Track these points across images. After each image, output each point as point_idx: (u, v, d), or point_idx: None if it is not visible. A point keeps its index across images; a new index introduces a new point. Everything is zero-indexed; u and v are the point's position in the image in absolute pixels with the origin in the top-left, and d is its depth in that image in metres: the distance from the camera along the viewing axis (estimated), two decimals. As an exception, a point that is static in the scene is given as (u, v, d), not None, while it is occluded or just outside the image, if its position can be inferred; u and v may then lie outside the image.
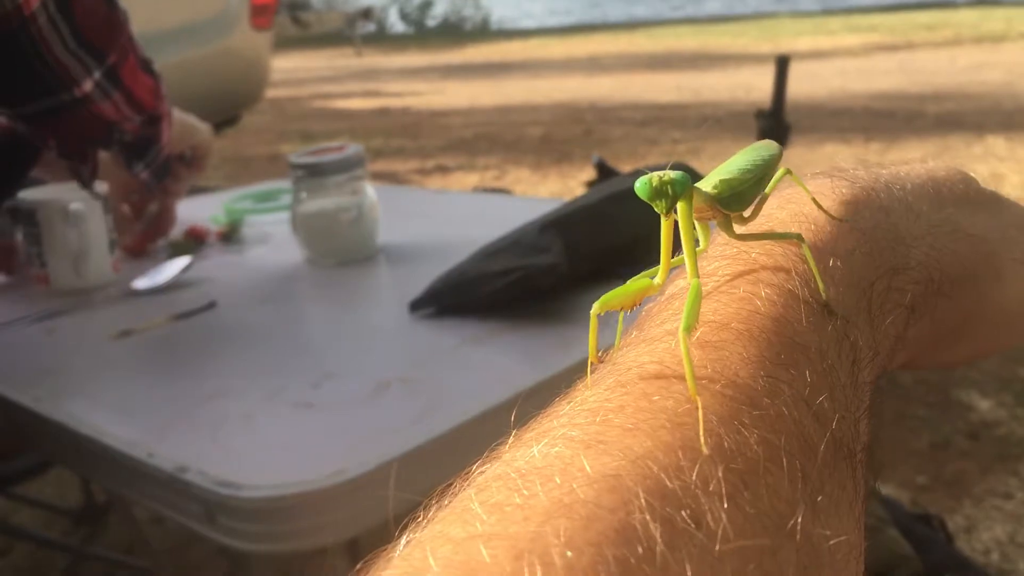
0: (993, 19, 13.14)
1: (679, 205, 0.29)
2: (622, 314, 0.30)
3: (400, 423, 0.68)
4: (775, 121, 2.52)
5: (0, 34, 0.83)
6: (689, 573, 0.18)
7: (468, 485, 0.22)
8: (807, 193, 0.33)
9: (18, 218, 1.07)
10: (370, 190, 1.09)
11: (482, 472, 0.22)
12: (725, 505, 0.20)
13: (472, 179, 5.15)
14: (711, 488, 0.20)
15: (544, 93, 8.71)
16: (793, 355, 0.26)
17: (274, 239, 1.23)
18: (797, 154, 4.36)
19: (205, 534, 0.62)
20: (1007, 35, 11.30)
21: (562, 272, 0.86)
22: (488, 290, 0.86)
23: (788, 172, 0.34)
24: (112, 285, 1.06)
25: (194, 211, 1.33)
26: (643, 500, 0.19)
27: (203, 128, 1.18)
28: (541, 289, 0.86)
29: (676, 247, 0.30)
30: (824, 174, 0.36)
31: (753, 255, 0.30)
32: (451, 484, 0.23)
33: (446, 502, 0.22)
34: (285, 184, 1.43)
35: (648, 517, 0.19)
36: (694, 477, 0.20)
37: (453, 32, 21.14)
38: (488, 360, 0.79)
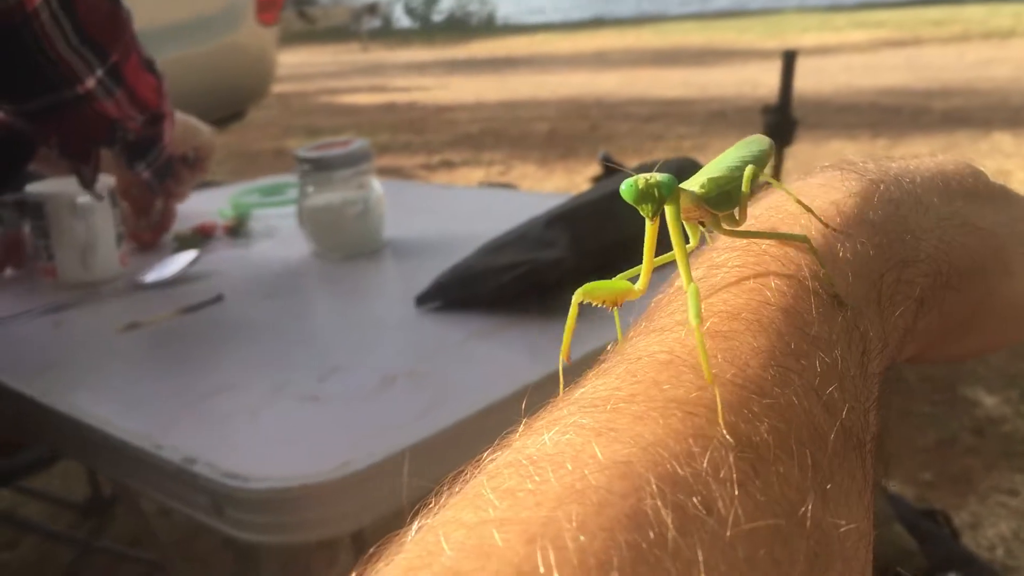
0: (1001, 15, 13.07)
1: (667, 208, 0.28)
2: (616, 310, 0.30)
3: (406, 417, 0.68)
4: (782, 117, 2.51)
5: (2, 30, 0.83)
6: (700, 558, 0.18)
7: (480, 472, 0.22)
8: (793, 196, 0.32)
9: (26, 211, 1.07)
10: (376, 184, 1.09)
11: (493, 459, 0.23)
12: (736, 492, 0.20)
13: (478, 174, 5.15)
14: (722, 475, 0.20)
15: (550, 89, 8.70)
16: (803, 345, 0.26)
17: (281, 233, 1.23)
18: (803, 150, 4.35)
19: (212, 525, 0.62)
20: (1015, 31, 11.26)
21: (568, 266, 0.87)
22: (494, 284, 0.86)
23: (767, 179, 0.33)
24: (119, 278, 1.07)
25: (201, 205, 1.33)
26: (654, 486, 0.20)
27: (205, 130, 1.19)
28: (547, 283, 0.86)
29: (661, 249, 0.30)
30: (834, 167, 0.36)
31: (763, 246, 0.30)
32: (462, 471, 0.23)
33: (458, 489, 0.22)
34: (292, 178, 1.43)
35: (659, 503, 0.19)
36: (705, 464, 0.21)
37: (459, 27, 21.12)
38: (494, 354, 0.79)
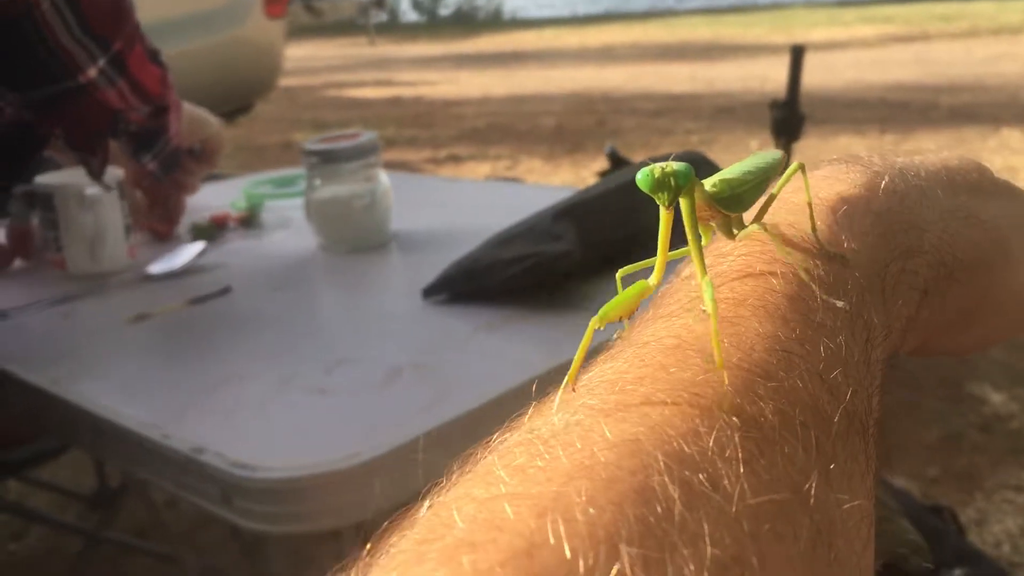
0: (1010, 10, 13.01)
1: (682, 199, 0.29)
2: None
3: (413, 408, 0.68)
4: (790, 112, 2.51)
5: (4, 20, 0.84)
6: (706, 531, 0.19)
7: (490, 451, 0.23)
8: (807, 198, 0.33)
9: (35, 203, 1.08)
10: (384, 177, 1.10)
11: (504, 440, 0.23)
12: (741, 470, 0.21)
13: (484, 169, 5.15)
14: (727, 454, 0.21)
15: (557, 83, 8.69)
16: (807, 332, 0.26)
17: (294, 224, 1.23)
18: (811, 145, 4.34)
19: (221, 515, 0.63)
20: (1024, 27, 11.21)
21: (576, 259, 0.87)
22: (501, 277, 0.86)
23: (801, 167, 0.33)
24: (128, 270, 1.07)
25: (212, 198, 1.34)
26: (662, 463, 0.20)
27: (214, 122, 1.19)
28: (554, 276, 0.86)
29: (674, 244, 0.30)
30: (839, 160, 0.36)
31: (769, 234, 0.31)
32: (473, 452, 0.23)
33: (468, 468, 0.22)
34: (303, 171, 1.43)
35: (667, 479, 0.20)
36: (711, 443, 0.21)
37: (466, 21, 21.11)
38: (501, 347, 0.79)
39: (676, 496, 0.19)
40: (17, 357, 0.83)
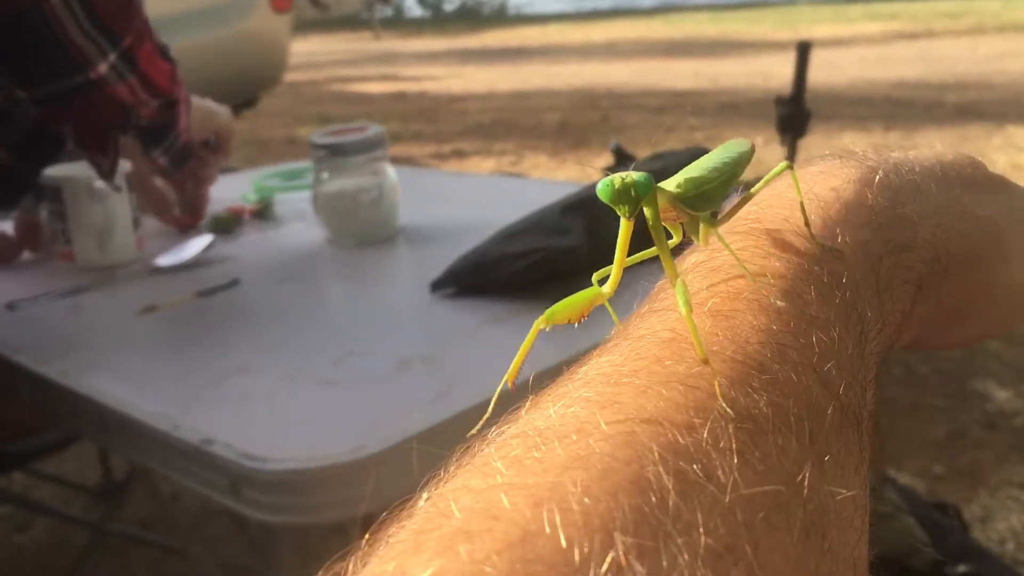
0: (1017, 8, 12.98)
1: (645, 208, 0.28)
2: (607, 303, 0.30)
3: (421, 401, 0.68)
4: (795, 108, 2.50)
5: (14, 15, 0.84)
6: (700, 521, 0.19)
7: (487, 444, 0.23)
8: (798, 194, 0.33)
9: (43, 195, 1.08)
10: (391, 171, 1.10)
11: (501, 432, 0.23)
12: (735, 461, 0.21)
13: (489, 164, 5.15)
14: (722, 445, 0.21)
15: (562, 79, 8.68)
16: (801, 325, 0.26)
17: (307, 216, 1.23)
18: (815, 142, 4.33)
19: (229, 506, 0.63)
20: (1030, 24, 11.17)
21: (583, 254, 0.87)
22: (509, 271, 0.87)
23: (789, 167, 0.33)
24: (136, 262, 1.07)
25: (222, 191, 1.34)
26: (656, 454, 0.20)
27: (222, 111, 1.19)
28: (562, 270, 0.86)
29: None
30: (834, 155, 0.37)
31: (765, 228, 0.31)
32: (470, 445, 0.23)
33: (465, 460, 0.23)
34: (311, 164, 1.43)
35: (661, 470, 0.20)
36: (705, 435, 0.21)
37: (471, 16, 21.09)
38: (508, 340, 0.79)
39: (671, 486, 0.20)
40: (26, 349, 0.83)
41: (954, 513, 1.27)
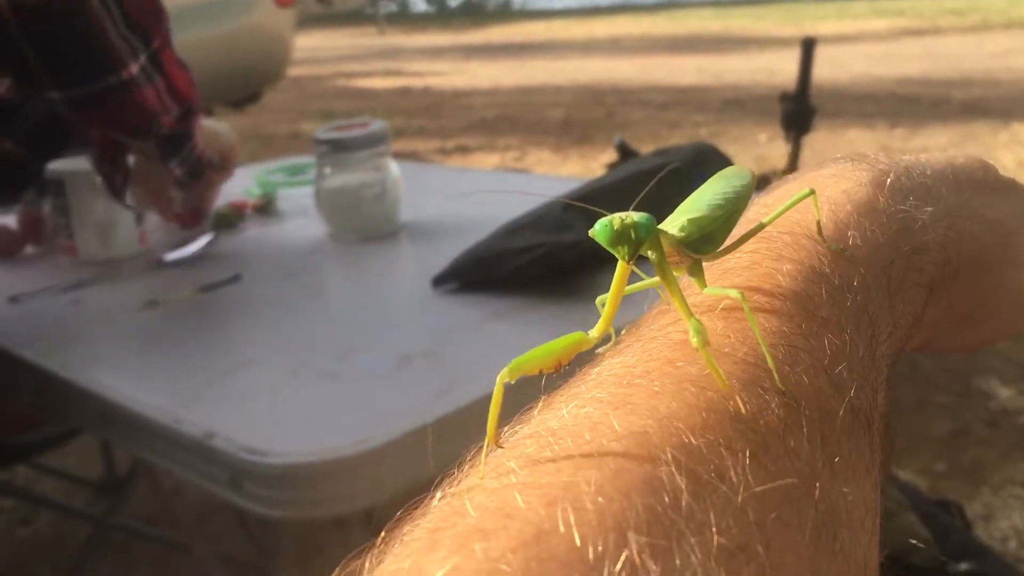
0: (1022, 5, 12.94)
1: (650, 252, 0.27)
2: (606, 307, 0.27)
3: (423, 396, 0.68)
4: (799, 104, 2.50)
5: (59, 16, 0.85)
6: (713, 520, 0.19)
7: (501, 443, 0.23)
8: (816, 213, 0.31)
9: (46, 189, 1.08)
10: (393, 166, 1.10)
11: (514, 432, 0.24)
12: (747, 462, 0.21)
13: (493, 160, 5.15)
14: (734, 446, 0.21)
15: (566, 75, 8.67)
16: (813, 327, 0.27)
17: (310, 212, 1.23)
18: (821, 139, 4.33)
19: (231, 499, 0.63)
20: (1036, 21, 11.14)
21: (585, 249, 0.87)
22: (511, 266, 0.87)
23: (812, 193, 0.31)
24: (138, 257, 1.07)
25: (224, 186, 1.33)
26: (669, 455, 0.20)
27: (225, 130, 1.19)
28: (564, 266, 0.86)
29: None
30: (845, 158, 0.37)
31: (775, 233, 0.31)
32: (483, 444, 0.23)
33: (479, 460, 0.23)
34: (314, 159, 1.43)
35: (674, 470, 0.20)
36: (718, 436, 0.22)
37: (475, 12, 21.08)
38: (511, 335, 0.79)
39: (683, 486, 0.20)
40: (29, 342, 0.83)
41: (957, 511, 1.26)
